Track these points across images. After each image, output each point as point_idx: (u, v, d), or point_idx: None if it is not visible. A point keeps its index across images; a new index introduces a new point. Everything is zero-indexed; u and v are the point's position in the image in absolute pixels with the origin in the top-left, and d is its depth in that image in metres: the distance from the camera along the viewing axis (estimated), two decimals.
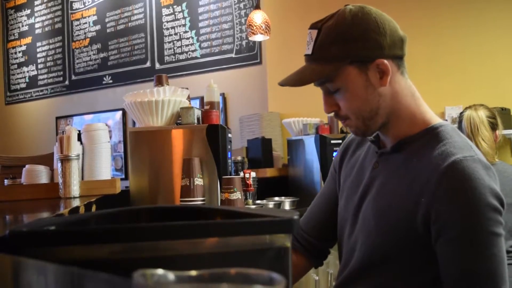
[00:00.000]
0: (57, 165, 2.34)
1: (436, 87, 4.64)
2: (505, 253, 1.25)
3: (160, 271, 0.54)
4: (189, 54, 6.31)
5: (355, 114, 1.38)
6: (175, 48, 6.43)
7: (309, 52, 1.39)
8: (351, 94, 1.36)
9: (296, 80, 1.41)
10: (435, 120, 1.40)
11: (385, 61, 1.33)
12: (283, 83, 1.44)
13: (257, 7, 4.76)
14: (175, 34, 6.44)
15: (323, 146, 3.68)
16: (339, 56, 1.33)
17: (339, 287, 1.53)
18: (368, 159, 1.51)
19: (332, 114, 1.45)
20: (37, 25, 7.70)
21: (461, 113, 3.01)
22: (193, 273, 0.54)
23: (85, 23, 7.22)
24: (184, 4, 6.37)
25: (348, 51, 1.33)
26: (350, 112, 1.38)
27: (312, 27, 1.40)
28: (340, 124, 4.09)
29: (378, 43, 1.33)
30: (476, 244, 1.22)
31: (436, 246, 1.26)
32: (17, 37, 7.91)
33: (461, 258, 1.23)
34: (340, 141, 3.41)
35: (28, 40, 7.79)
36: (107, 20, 7.01)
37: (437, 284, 1.30)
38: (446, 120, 4.49)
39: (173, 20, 6.46)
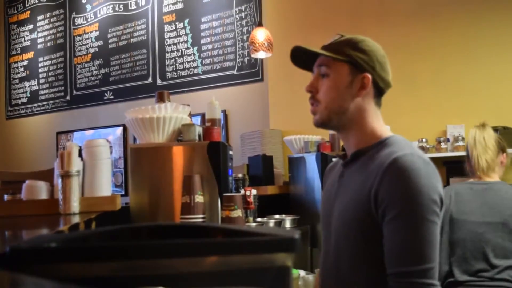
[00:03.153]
0: (58, 181, 2.33)
1: (438, 106, 4.66)
2: (437, 239, 1.44)
3: None
4: (191, 71, 6.33)
5: (326, 102, 1.65)
6: (177, 64, 6.45)
7: (327, 43, 1.70)
8: (334, 84, 1.64)
9: (309, 49, 1.69)
10: (389, 134, 1.66)
11: (370, 78, 1.63)
12: (296, 47, 1.69)
13: (260, 24, 4.80)
14: (177, 50, 6.47)
15: (324, 163, 3.67)
16: (345, 53, 1.63)
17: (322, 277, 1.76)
18: (336, 174, 1.77)
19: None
20: (39, 40, 7.75)
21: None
22: None
23: (87, 38, 7.26)
24: (186, 21, 6.40)
25: (351, 54, 1.63)
26: (324, 98, 1.65)
27: (339, 34, 1.72)
28: (342, 143, 4.08)
29: (373, 65, 1.64)
30: (408, 225, 1.43)
31: (384, 225, 1.47)
32: (19, 52, 7.95)
33: (395, 236, 1.44)
34: None
35: (30, 55, 7.83)
36: (109, 36, 7.05)
37: None
38: (448, 139, 4.49)
39: (175, 37, 6.50)
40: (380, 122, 1.70)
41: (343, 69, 1.64)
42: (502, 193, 2.75)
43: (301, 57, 1.75)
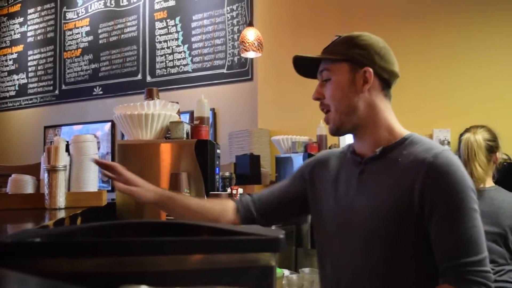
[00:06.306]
0: (44, 176, 2.32)
1: (424, 110, 4.69)
2: (482, 227, 1.51)
3: (144, 287, 0.54)
4: (181, 68, 6.33)
5: (335, 106, 1.65)
6: (167, 61, 6.44)
7: (326, 46, 1.72)
8: (337, 85, 1.65)
9: (305, 56, 1.72)
10: (407, 131, 1.70)
11: (372, 72, 1.62)
12: (295, 57, 1.73)
13: (250, 24, 4.80)
14: (168, 47, 6.46)
15: None
16: (342, 52, 1.65)
17: None
18: (348, 170, 1.73)
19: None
20: (29, 34, 7.70)
21: (460, 135, 2.94)
22: None
23: (78, 33, 7.23)
24: (177, 18, 6.40)
25: (349, 52, 1.64)
26: (331, 101, 1.66)
27: (337, 35, 1.73)
28: (329, 143, 4.10)
29: (373, 58, 1.64)
30: (462, 219, 1.47)
31: (430, 223, 1.50)
32: (8, 45, 7.89)
33: (451, 230, 1.48)
34: None
35: (20, 48, 7.77)
36: (100, 31, 7.02)
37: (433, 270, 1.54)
38: None
39: (166, 34, 6.48)
40: (393, 117, 1.70)
41: (343, 68, 1.65)
42: (499, 202, 2.70)
43: (305, 66, 1.76)
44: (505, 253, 2.65)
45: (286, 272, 2.94)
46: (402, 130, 1.69)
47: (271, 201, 1.88)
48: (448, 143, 4.48)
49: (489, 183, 2.82)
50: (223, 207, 1.87)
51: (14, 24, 7.87)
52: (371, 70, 1.62)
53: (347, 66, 1.64)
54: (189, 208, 1.78)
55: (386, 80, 1.67)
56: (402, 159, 1.58)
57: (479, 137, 2.80)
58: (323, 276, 1.77)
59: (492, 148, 2.80)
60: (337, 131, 1.69)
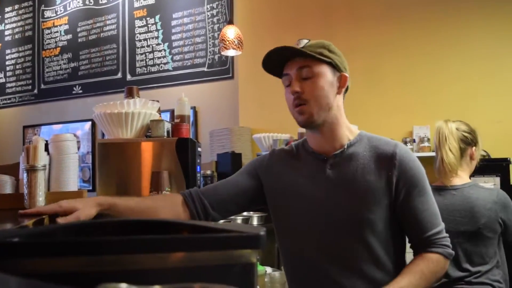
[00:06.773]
0: (23, 175, 2.30)
1: (405, 107, 4.72)
2: None
3: (123, 285, 0.53)
4: (161, 67, 6.30)
5: (315, 100, 1.75)
6: (147, 60, 6.41)
7: (301, 46, 1.77)
8: (319, 83, 1.74)
9: (289, 48, 1.74)
10: (358, 129, 1.91)
11: (348, 78, 1.80)
12: (281, 47, 1.74)
13: (230, 22, 4.80)
14: (148, 46, 6.43)
15: None
16: (324, 55, 1.75)
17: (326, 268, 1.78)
18: (311, 167, 1.86)
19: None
20: (7, 32, 7.61)
21: None
22: (157, 287, 0.54)
23: (57, 32, 7.16)
24: (157, 17, 6.37)
25: (330, 56, 1.77)
26: (312, 96, 1.74)
27: (301, 39, 1.80)
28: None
29: (346, 67, 1.82)
30: (428, 196, 1.78)
31: (404, 204, 1.75)
32: None
33: (423, 207, 1.76)
34: None
35: None
36: (79, 29, 6.97)
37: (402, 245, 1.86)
38: (414, 139, 4.56)
39: (145, 32, 6.45)
40: (346, 118, 1.88)
41: (325, 69, 1.76)
42: (473, 199, 2.64)
43: (273, 62, 1.81)
44: (482, 251, 2.61)
45: (269, 269, 2.94)
46: (355, 128, 1.89)
47: (222, 194, 1.91)
48: (428, 140, 4.51)
49: (464, 179, 2.77)
50: (170, 202, 1.89)
51: None
52: (347, 75, 1.80)
53: (328, 68, 1.76)
54: (132, 211, 1.76)
55: (347, 88, 1.85)
56: (367, 153, 1.79)
57: (452, 125, 2.75)
58: (292, 269, 1.88)
59: (467, 139, 2.73)
60: (310, 123, 1.78)
